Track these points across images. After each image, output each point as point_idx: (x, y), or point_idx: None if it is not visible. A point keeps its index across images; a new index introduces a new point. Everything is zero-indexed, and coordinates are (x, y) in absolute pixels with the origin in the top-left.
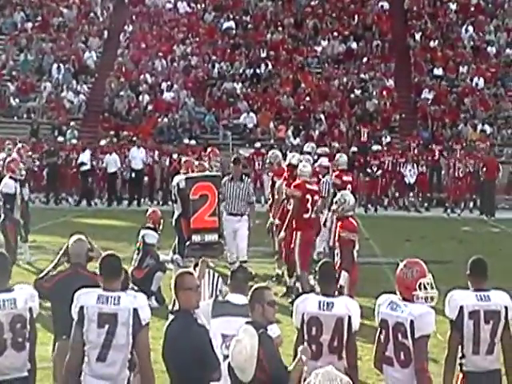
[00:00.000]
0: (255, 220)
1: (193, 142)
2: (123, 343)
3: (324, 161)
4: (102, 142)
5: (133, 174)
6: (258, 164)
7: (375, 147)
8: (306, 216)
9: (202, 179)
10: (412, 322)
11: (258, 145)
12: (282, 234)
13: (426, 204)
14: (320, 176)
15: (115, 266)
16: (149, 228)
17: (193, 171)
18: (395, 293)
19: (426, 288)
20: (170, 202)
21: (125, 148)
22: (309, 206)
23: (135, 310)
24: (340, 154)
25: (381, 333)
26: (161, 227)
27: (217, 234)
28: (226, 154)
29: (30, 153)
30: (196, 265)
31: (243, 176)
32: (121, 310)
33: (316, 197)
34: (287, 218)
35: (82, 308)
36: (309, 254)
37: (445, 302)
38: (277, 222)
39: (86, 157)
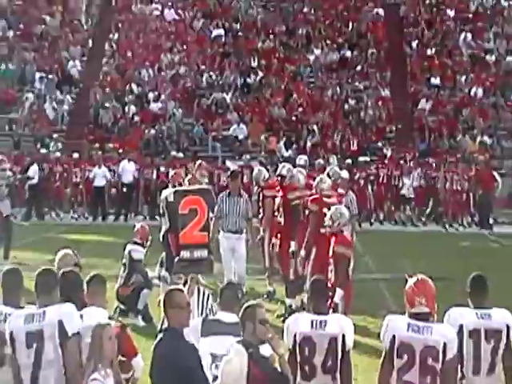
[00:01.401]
0: (255, 237)
1: (180, 154)
2: (52, 359)
3: (345, 174)
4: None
5: (124, 188)
6: (247, 178)
7: (362, 158)
8: (323, 231)
9: (191, 193)
10: (445, 344)
11: (246, 158)
12: (303, 252)
13: (423, 218)
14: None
15: (42, 282)
16: (136, 243)
17: (181, 184)
18: (393, 310)
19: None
20: (157, 217)
21: (109, 161)
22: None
23: (60, 321)
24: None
25: (398, 357)
26: (148, 243)
27: (206, 249)
28: (214, 166)
29: (8, 165)
30: (185, 282)
31: (241, 191)
32: (46, 325)
33: None
34: (306, 235)
35: (11, 334)
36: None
37: (443, 320)
38: (273, 241)
39: (32, 171)
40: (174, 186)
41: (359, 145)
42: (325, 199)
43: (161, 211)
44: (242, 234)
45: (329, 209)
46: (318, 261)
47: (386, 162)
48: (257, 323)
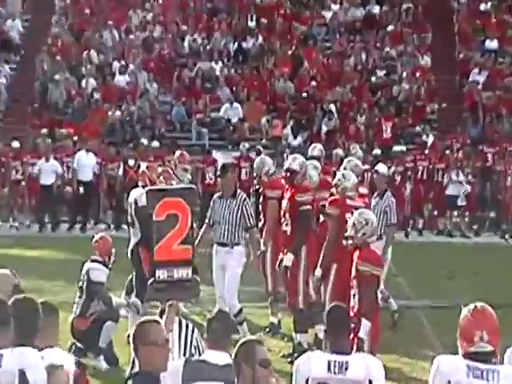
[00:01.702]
0: (257, 251)
1: (155, 143)
2: None
3: (382, 168)
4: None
5: (80, 188)
6: (246, 173)
7: (397, 148)
8: (346, 243)
9: (169, 194)
10: None
11: (244, 146)
12: (318, 271)
13: (475, 226)
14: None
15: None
16: (95, 261)
17: (154, 183)
18: (435, 347)
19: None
20: (124, 226)
21: (61, 153)
22: None
23: (21, 371)
24: (343, 174)
25: None
26: (112, 259)
27: (190, 267)
28: (199, 159)
29: None
30: (162, 311)
31: (236, 192)
32: (3, 373)
33: None
34: (323, 248)
35: None
36: (345, 295)
37: (504, 359)
38: (280, 256)
39: None
40: (146, 185)
41: (392, 130)
42: (348, 202)
43: (129, 218)
44: (234, 247)
45: (351, 214)
46: (339, 283)
47: (427, 152)
48: (256, 366)
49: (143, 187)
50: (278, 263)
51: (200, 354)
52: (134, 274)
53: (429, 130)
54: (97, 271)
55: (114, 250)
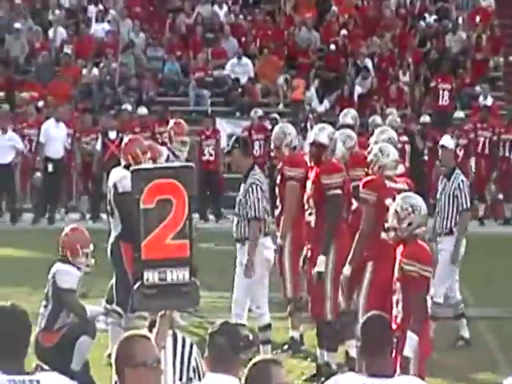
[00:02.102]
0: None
1: (143, 109)
2: None
3: (448, 141)
4: None
5: (49, 167)
6: (260, 147)
7: (459, 113)
8: (385, 236)
9: (161, 174)
10: None
11: (257, 113)
12: (347, 270)
13: None
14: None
15: None
16: (64, 262)
17: (139, 161)
18: (503, 370)
19: None
20: (104, 215)
21: (22, 122)
22: None
23: None
24: (380, 148)
25: None
26: (88, 259)
27: (187, 268)
28: (200, 129)
29: None
30: (152, 323)
31: (249, 173)
32: None
33: None
34: (355, 242)
35: None
36: (385, 302)
37: None
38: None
39: None
40: (129, 164)
41: (450, 94)
42: (388, 183)
43: (107, 207)
44: (246, 244)
45: (393, 199)
46: (376, 286)
47: (486, 119)
48: None
49: (126, 167)
50: (302, 265)
51: (200, 378)
52: (115, 276)
53: (488, 91)
54: (65, 275)
55: (91, 247)
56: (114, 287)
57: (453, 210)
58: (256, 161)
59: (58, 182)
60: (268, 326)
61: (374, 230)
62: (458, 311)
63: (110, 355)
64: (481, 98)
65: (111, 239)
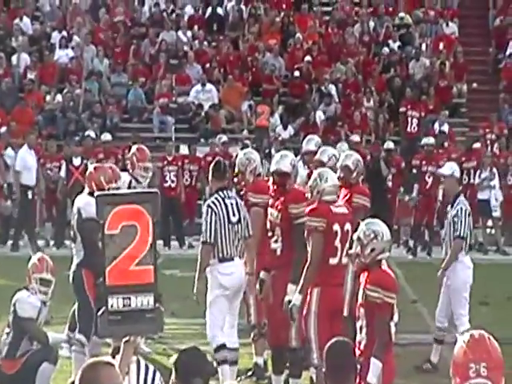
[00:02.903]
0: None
1: (107, 136)
2: None
3: (446, 169)
4: None
5: (29, 195)
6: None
7: (429, 140)
8: (333, 262)
9: (125, 200)
10: None
11: (221, 139)
12: (297, 299)
13: None
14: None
15: None
16: (27, 289)
17: (103, 189)
18: None
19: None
20: (68, 242)
21: None
22: (337, 243)
23: None
24: (322, 172)
25: None
26: (50, 287)
27: (152, 294)
28: (161, 155)
29: None
30: (116, 350)
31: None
32: None
33: (348, 226)
34: (305, 270)
35: None
36: (334, 329)
37: None
38: (262, 275)
39: None
40: (93, 192)
41: (419, 120)
42: (333, 208)
43: (71, 232)
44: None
45: (340, 224)
46: (324, 312)
47: (446, 145)
48: None
49: (90, 194)
50: (258, 290)
51: None
52: (77, 303)
53: (445, 118)
54: (24, 304)
55: (50, 275)
56: (77, 314)
57: (450, 235)
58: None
59: (33, 206)
60: (220, 347)
61: (322, 256)
62: (439, 336)
63: (73, 383)
64: (436, 125)
65: (73, 266)
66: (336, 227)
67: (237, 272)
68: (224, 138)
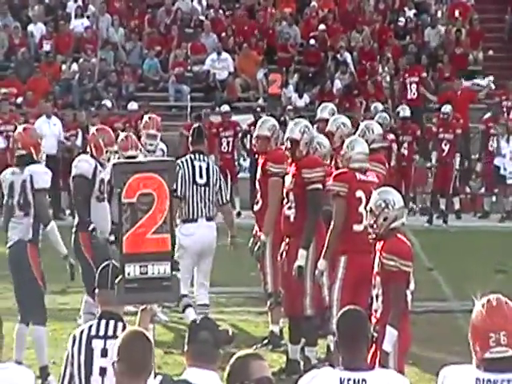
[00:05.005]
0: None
1: (133, 105)
2: None
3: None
4: None
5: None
6: (229, 143)
7: (446, 108)
8: (358, 228)
9: (142, 168)
10: None
11: (224, 108)
12: (321, 265)
13: None
14: None
15: None
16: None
17: (99, 151)
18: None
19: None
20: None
21: (0, 119)
22: (361, 210)
23: None
24: (352, 140)
25: None
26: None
27: (168, 262)
28: (179, 124)
29: None
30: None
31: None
32: None
33: None
34: (327, 236)
35: None
36: (360, 296)
37: None
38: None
39: None
40: (92, 153)
41: (418, 87)
42: (359, 175)
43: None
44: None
45: (366, 192)
46: (350, 280)
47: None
48: None
49: (93, 156)
50: (280, 259)
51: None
52: (80, 266)
53: (460, 84)
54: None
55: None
56: (82, 277)
57: None
58: (224, 158)
59: (53, 177)
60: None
61: (345, 222)
62: None
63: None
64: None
65: (74, 228)
66: (360, 193)
67: (198, 233)
68: (227, 107)
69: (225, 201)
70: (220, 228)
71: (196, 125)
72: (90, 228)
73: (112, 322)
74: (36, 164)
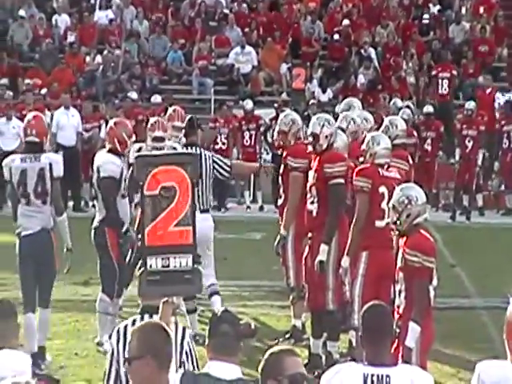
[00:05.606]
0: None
1: (157, 98)
2: None
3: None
4: None
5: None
6: (251, 136)
7: (469, 105)
8: (380, 224)
9: (165, 161)
10: None
11: (249, 105)
12: (345, 261)
13: None
14: None
15: None
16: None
17: (124, 144)
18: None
19: None
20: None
21: (24, 110)
22: (384, 206)
23: None
24: (373, 136)
25: None
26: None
27: (190, 255)
28: (202, 117)
29: None
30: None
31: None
32: None
33: None
34: (350, 231)
35: None
36: (383, 292)
37: None
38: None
39: None
40: (115, 149)
41: (450, 83)
42: (382, 171)
43: (93, 190)
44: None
45: (388, 188)
46: (372, 275)
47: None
48: (285, 383)
49: (110, 151)
50: (304, 257)
51: (193, 362)
52: (99, 262)
53: (490, 81)
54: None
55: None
56: (99, 273)
57: None
58: (246, 152)
59: (75, 168)
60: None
61: (368, 218)
62: None
63: (98, 343)
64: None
65: (95, 223)
66: (383, 189)
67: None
68: (250, 103)
69: (228, 170)
70: (248, 222)
71: (189, 117)
72: (124, 229)
73: (156, 317)
74: (50, 153)
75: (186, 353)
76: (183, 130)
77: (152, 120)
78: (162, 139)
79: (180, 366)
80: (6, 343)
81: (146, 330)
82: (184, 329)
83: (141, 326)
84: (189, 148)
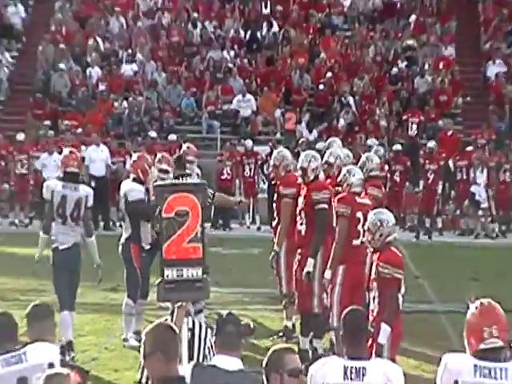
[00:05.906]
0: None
1: (173, 136)
2: None
3: None
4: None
5: (92, 183)
6: (251, 169)
7: (431, 144)
8: (356, 243)
9: (179, 189)
10: None
11: (248, 142)
12: (327, 274)
13: (503, 227)
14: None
15: None
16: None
17: (146, 174)
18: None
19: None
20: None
21: (65, 145)
22: (359, 228)
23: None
24: (348, 169)
25: None
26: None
27: (200, 267)
28: (210, 153)
29: None
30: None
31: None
32: None
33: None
34: (332, 249)
35: None
36: (354, 299)
37: None
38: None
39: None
40: (138, 178)
41: (420, 126)
42: (358, 199)
43: (120, 213)
44: None
45: (363, 213)
46: (347, 286)
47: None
48: (285, 375)
49: (134, 180)
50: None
51: (212, 355)
52: (125, 271)
53: (451, 124)
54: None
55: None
56: (125, 281)
57: None
58: (246, 182)
59: (104, 194)
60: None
61: (346, 237)
62: None
63: (124, 339)
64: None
65: (122, 239)
66: (359, 214)
67: None
68: (250, 142)
69: (211, 197)
70: (248, 240)
71: (177, 154)
72: (147, 247)
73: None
74: (84, 185)
75: (209, 348)
76: (173, 165)
77: (159, 155)
78: (166, 171)
79: (204, 358)
80: (43, 340)
81: (155, 331)
82: (207, 328)
83: (152, 328)
84: (179, 179)
